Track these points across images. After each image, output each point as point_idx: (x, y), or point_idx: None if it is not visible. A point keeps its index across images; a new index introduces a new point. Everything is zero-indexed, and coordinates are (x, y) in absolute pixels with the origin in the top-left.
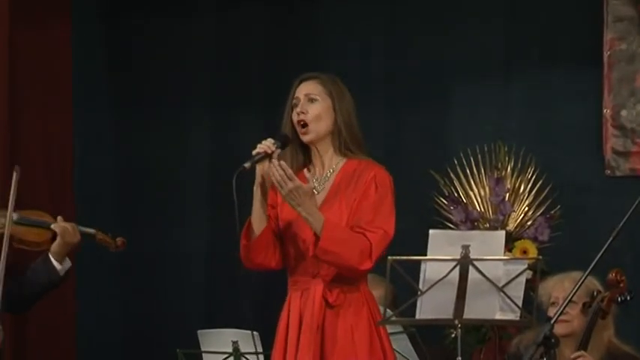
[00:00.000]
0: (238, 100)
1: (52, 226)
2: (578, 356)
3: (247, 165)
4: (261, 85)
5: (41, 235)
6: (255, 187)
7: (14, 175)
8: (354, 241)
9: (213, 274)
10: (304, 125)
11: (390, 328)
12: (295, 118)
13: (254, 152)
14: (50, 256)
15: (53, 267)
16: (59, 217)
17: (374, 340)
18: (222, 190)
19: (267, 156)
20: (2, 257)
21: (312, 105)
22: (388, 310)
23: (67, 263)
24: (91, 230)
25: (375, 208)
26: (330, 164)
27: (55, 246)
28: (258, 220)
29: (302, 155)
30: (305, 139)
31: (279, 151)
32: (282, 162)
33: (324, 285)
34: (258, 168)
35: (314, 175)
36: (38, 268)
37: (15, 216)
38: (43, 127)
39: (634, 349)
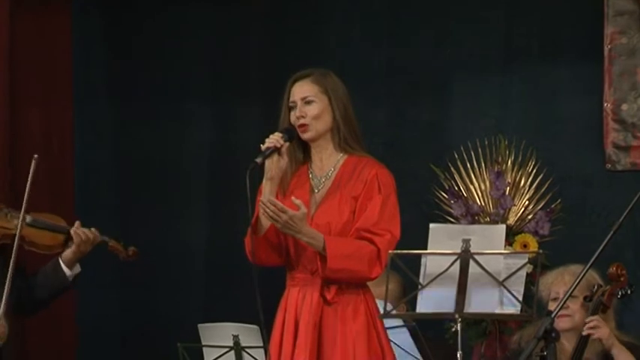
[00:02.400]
0: (238, 92)
1: (72, 233)
2: (592, 320)
3: (259, 160)
4: (262, 78)
5: (54, 238)
6: (264, 182)
7: (33, 163)
8: (360, 251)
9: (213, 267)
10: (304, 126)
11: (390, 322)
12: (295, 122)
13: (263, 147)
14: (60, 261)
15: (63, 273)
16: (77, 222)
17: (372, 336)
18: (223, 184)
19: (277, 150)
20: (13, 256)
21: (310, 107)
22: (389, 304)
23: (77, 269)
24: (105, 238)
25: (380, 210)
26: (330, 161)
27: (68, 252)
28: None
29: (301, 153)
30: (305, 136)
31: (287, 144)
32: (271, 197)
33: (322, 282)
34: (267, 163)
35: (313, 173)
36: (48, 273)
37: (28, 218)
38: (44, 121)
39: (635, 338)
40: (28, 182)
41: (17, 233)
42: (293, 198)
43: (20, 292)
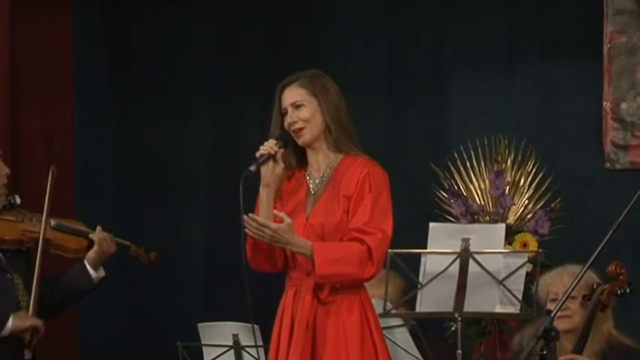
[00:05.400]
0: (239, 92)
1: (91, 235)
2: None
3: (253, 168)
4: (262, 77)
5: (78, 242)
6: (261, 189)
7: (50, 174)
8: (349, 254)
9: (213, 267)
10: (299, 130)
11: (390, 322)
12: (289, 128)
13: (258, 154)
14: (86, 263)
15: (89, 275)
16: (98, 227)
17: (365, 334)
18: (223, 183)
19: (271, 157)
20: (38, 258)
21: (300, 111)
22: (388, 302)
23: (101, 272)
24: (126, 242)
25: (371, 209)
26: (326, 163)
27: (91, 254)
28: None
29: (294, 159)
30: (301, 141)
31: (282, 150)
32: (251, 214)
33: (316, 282)
34: (263, 170)
35: (311, 175)
36: (74, 275)
37: (53, 222)
38: (45, 118)
39: (633, 341)
40: (48, 190)
41: (41, 236)
42: (276, 211)
43: (43, 296)
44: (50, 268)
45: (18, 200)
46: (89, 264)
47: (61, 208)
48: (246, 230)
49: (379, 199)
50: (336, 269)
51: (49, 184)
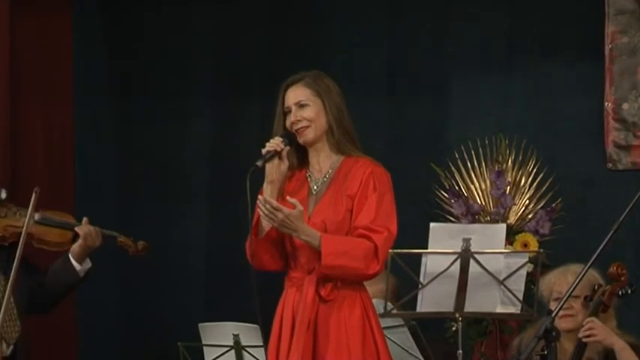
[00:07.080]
0: (239, 92)
1: (76, 229)
2: (589, 324)
3: (260, 163)
4: (262, 77)
5: (62, 235)
6: (264, 185)
7: (34, 195)
8: (356, 249)
9: (213, 267)
10: (303, 129)
11: (390, 322)
12: (291, 127)
13: (264, 151)
14: (70, 256)
15: (73, 268)
16: (84, 219)
17: (366, 333)
18: (223, 183)
19: (277, 154)
20: (18, 254)
21: (304, 110)
22: (389, 303)
23: (87, 264)
24: (113, 233)
25: (377, 208)
26: (327, 164)
27: (75, 247)
28: None
29: (295, 159)
30: (304, 139)
31: (287, 148)
32: (266, 196)
33: (318, 279)
34: (268, 167)
35: (312, 176)
36: (58, 269)
37: (37, 216)
38: (44, 118)
39: (635, 338)
40: (29, 209)
41: (23, 232)
42: (288, 197)
43: (32, 291)
44: (40, 263)
45: (3, 195)
46: (73, 257)
47: (60, 208)
48: (259, 210)
49: (384, 198)
50: (341, 261)
51: (31, 204)
